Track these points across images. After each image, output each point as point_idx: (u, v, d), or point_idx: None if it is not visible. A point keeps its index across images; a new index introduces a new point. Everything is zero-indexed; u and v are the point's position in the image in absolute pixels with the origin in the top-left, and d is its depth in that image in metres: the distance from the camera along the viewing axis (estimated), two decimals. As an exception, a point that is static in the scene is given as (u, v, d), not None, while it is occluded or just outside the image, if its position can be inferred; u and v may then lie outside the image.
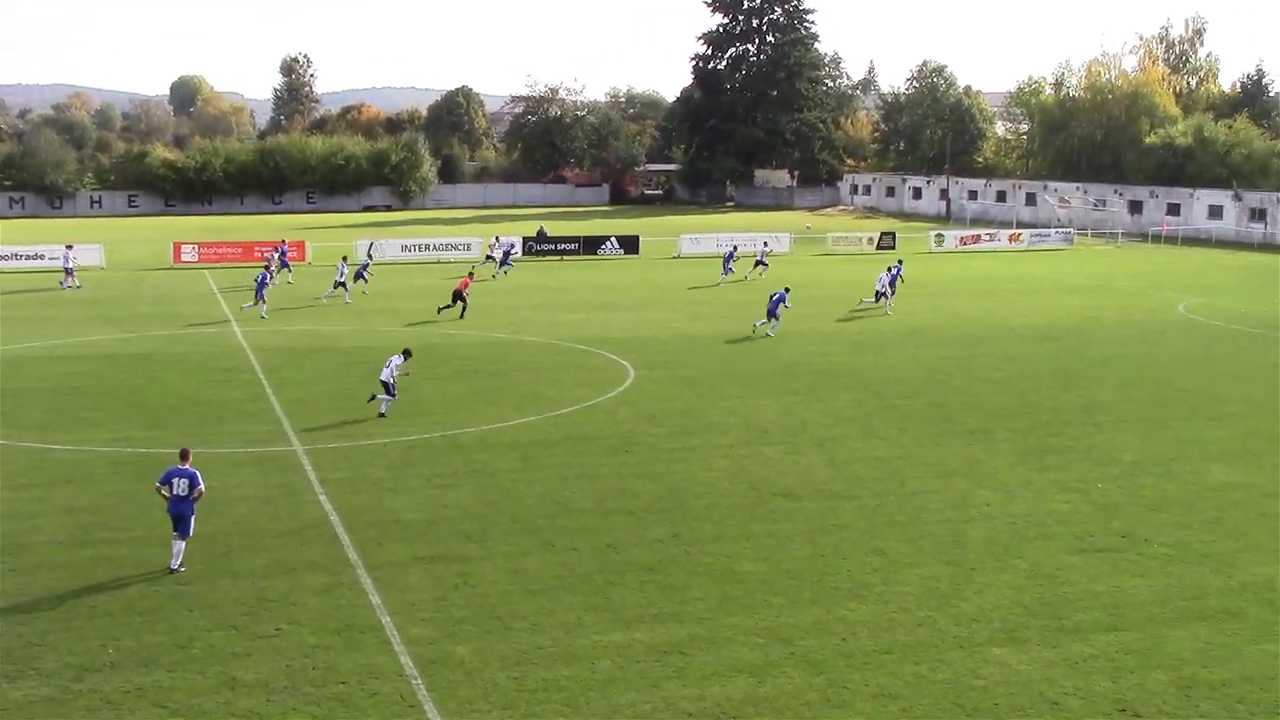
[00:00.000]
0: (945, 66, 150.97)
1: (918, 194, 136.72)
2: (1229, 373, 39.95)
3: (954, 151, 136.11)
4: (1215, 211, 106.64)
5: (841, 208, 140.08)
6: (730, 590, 20.14)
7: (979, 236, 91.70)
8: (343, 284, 55.47)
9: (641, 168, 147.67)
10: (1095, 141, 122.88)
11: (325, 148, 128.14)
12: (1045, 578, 20.80)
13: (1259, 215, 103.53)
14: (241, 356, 40.52)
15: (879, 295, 54.49)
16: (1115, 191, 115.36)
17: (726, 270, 66.15)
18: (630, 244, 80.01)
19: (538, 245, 78.53)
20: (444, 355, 40.82)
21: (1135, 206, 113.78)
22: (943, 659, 17.68)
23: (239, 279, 62.83)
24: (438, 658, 17.49)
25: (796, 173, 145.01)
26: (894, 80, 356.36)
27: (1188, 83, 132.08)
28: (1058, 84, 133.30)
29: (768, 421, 31.91)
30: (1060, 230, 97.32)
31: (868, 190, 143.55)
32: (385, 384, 31.84)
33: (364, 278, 58.15)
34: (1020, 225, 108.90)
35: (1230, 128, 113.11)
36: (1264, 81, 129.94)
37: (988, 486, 26.15)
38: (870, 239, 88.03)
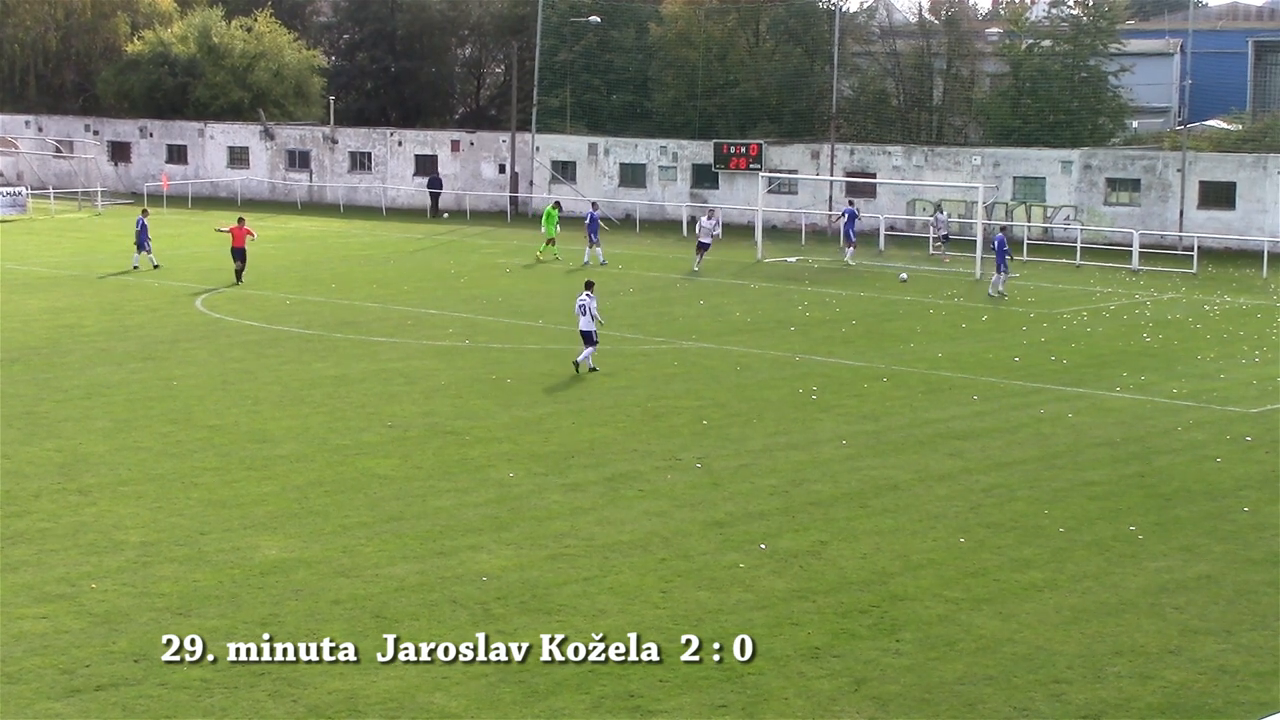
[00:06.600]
0: None
1: None
2: (275, 397, 42.44)
3: None
4: (240, 156, 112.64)
5: None
6: None
7: None
8: None
9: None
10: (51, 50, 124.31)
11: None
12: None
13: (301, 160, 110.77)
14: None
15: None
16: (89, 128, 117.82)
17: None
18: None
19: None
20: None
21: (120, 150, 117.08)
22: None
23: None
24: None
25: None
26: None
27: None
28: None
29: None
30: (6, 191, 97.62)
31: None
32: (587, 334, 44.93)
33: None
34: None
35: (271, 32, 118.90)
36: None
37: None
38: None
